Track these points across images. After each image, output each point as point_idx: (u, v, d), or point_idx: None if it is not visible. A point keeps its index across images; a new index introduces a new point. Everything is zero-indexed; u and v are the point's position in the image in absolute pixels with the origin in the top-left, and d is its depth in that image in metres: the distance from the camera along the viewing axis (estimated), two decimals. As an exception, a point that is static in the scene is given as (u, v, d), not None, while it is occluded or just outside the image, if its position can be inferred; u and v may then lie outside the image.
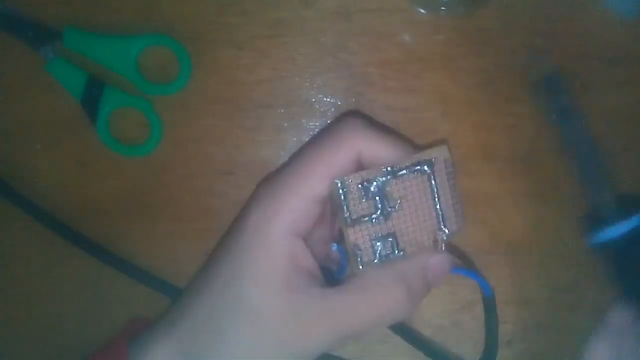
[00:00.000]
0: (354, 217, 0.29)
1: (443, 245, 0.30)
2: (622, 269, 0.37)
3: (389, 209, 0.29)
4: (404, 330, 0.39)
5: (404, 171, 0.29)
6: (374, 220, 0.29)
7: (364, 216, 0.29)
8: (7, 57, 0.39)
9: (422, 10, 0.38)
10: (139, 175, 0.39)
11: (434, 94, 0.39)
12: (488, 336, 0.35)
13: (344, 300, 0.29)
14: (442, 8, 0.38)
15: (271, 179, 0.31)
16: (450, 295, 0.39)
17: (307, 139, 0.39)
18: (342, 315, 0.29)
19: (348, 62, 0.39)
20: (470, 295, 0.39)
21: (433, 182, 0.30)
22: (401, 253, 0.30)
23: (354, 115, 0.36)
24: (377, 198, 0.29)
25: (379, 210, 0.29)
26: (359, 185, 0.29)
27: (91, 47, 0.38)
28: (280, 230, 0.29)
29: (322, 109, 0.39)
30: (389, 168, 0.29)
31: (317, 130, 0.39)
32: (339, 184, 0.29)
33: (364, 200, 0.29)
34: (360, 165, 0.31)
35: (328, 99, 0.39)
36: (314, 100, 0.39)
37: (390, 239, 0.30)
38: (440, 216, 0.30)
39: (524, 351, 0.39)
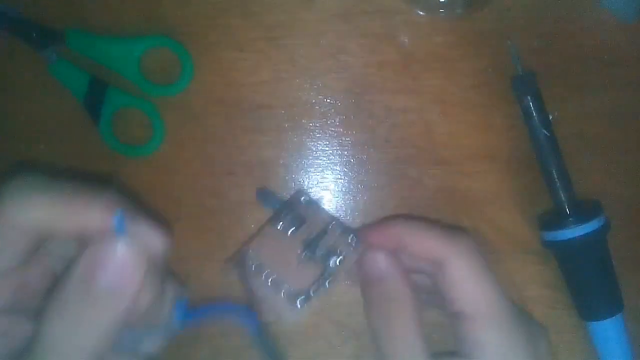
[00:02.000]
0: None
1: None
2: (567, 269, 0.38)
3: None
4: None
5: None
6: None
7: None
8: (10, 58, 0.40)
9: (421, 12, 0.39)
10: (141, 176, 0.40)
11: (433, 95, 0.39)
12: None
13: None
14: (441, 10, 0.38)
15: None
16: (450, 295, 0.39)
17: (307, 139, 0.39)
18: None
19: (348, 63, 0.39)
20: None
21: None
22: None
23: None
24: None
25: None
26: None
27: (94, 48, 0.39)
28: None
29: (322, 110, 0.39)
30: None
31: (317, 130, 0.39)
32: None
33: None
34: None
35: (328, 100, 0.39)
36: (314, 101, 0.39)
37: None
38: None
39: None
